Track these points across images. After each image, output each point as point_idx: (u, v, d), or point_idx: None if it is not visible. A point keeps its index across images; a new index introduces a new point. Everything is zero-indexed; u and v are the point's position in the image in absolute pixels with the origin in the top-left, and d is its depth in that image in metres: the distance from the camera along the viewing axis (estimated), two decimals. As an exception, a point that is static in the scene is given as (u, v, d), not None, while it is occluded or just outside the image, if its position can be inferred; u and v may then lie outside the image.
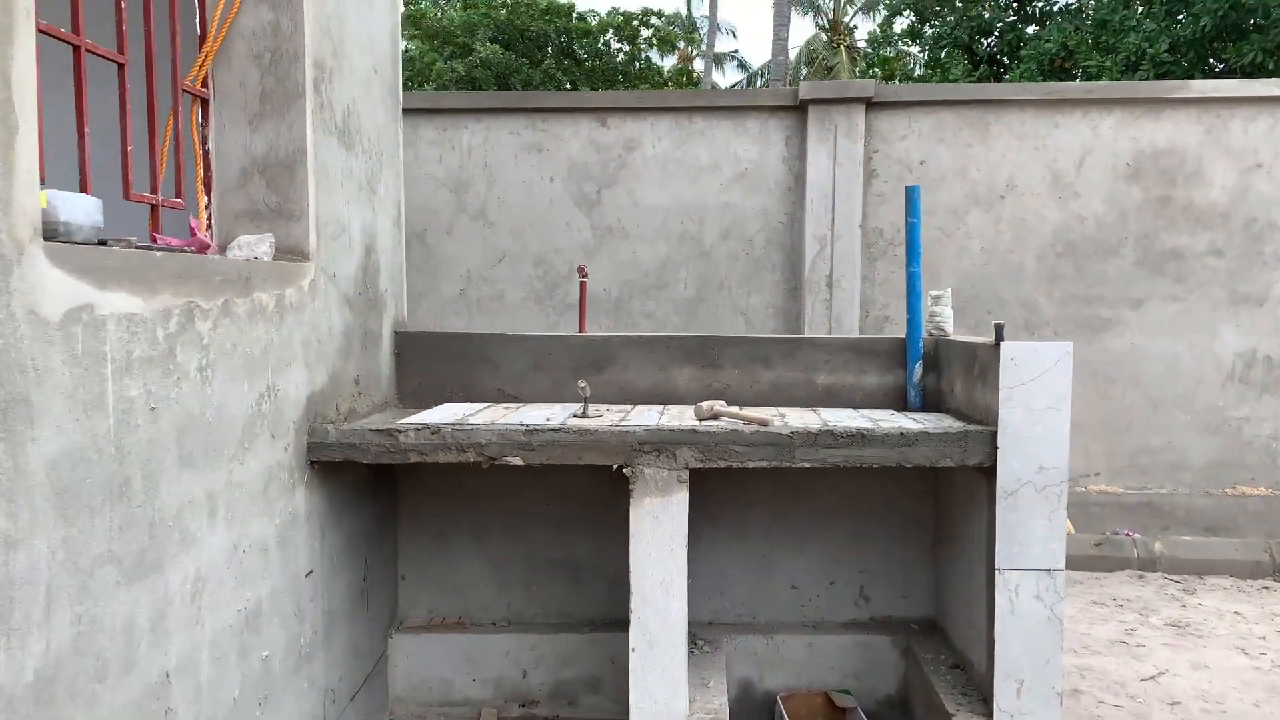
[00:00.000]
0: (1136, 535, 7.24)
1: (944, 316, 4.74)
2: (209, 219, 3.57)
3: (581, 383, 3.99)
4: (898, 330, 7.50)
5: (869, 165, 7.77)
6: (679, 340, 4.71)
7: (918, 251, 4.55)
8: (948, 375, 4.47)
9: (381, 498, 4.56)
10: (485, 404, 4.66)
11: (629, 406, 4.61)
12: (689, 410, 4.19)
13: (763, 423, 3.89)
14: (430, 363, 4.75)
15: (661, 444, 3.69)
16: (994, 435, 3.67)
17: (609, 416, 4.16)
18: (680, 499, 3.70)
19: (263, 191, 3.62)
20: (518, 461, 3.69)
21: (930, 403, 4.65)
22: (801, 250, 7.79)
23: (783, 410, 4.49)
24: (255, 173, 3.60)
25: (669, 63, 27.68)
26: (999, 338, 3.68)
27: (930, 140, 7.72)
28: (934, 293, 4.78)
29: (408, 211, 8.11)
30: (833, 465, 3.70)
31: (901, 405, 4.68)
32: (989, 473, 3.73)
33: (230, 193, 3.61)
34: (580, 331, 4.87)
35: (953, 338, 4.58)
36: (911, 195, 4.52)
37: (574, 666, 4.67)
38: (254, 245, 3.47)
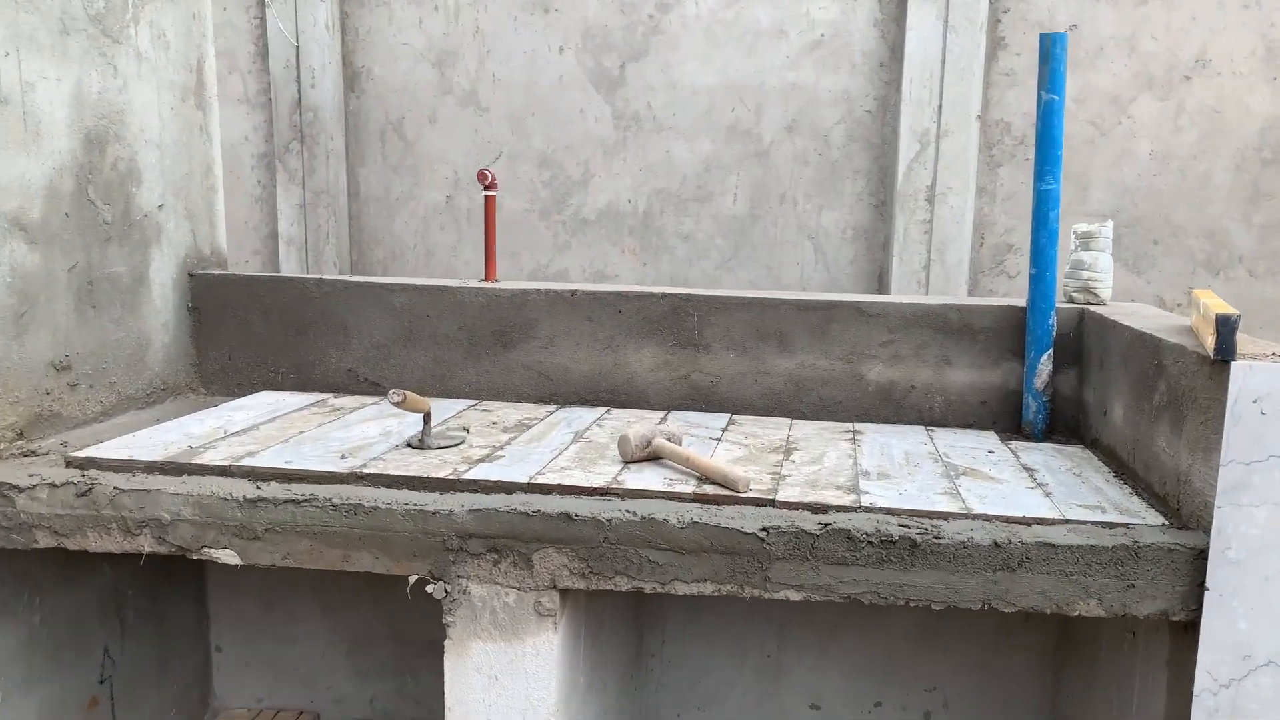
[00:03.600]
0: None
1: (1098, 270, 2.71)
2: None
3: (395, 396, 2.17)
4: (1025, 268, 5.39)
5: (994, 31, 5.54)
6: (636, 300, 2.83)
7: (1057, 154, 2.52)
8: (1098, 379, 2.48)
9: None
10: (316, 397, 2.91)
11: (546, 412, 2.79)
12: (644, 423, 2.34)
13: (729, 483, 2.02)
14: (249, 325, 3.01)
15: (504, 539, 1.86)
16: (1200, 557, 1.71)
17: (471, 445, 2.35)
18: (543, 646, 1.88)
19: None
20: (230, 559, 1.93)
21: (1063, 421, 2.67)
22: (895, 150, 5.68)
23: (795, 433, 2.58)
24: None
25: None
26: (1225, 345, 1.68)
27: (1087, -7, 5.43)
28: (1081, 228, 2.74)
29: (382, 93, 6.33)
30: (847, 599, 1.81)
31: (1012, 424, 2.71)
32: (1183, 631, 1.78)
33: None
34: (486, 279, 3.06)
35: (1112, 310, 2.57)
36: (1051, 50, 2.46)
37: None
38: None
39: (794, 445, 2.46)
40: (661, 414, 2.79)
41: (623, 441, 2.24)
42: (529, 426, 2.58)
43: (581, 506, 1.87)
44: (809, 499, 1.98)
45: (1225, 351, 1.66)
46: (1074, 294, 2.73)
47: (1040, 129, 2.51)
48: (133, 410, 2.76)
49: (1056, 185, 2.51)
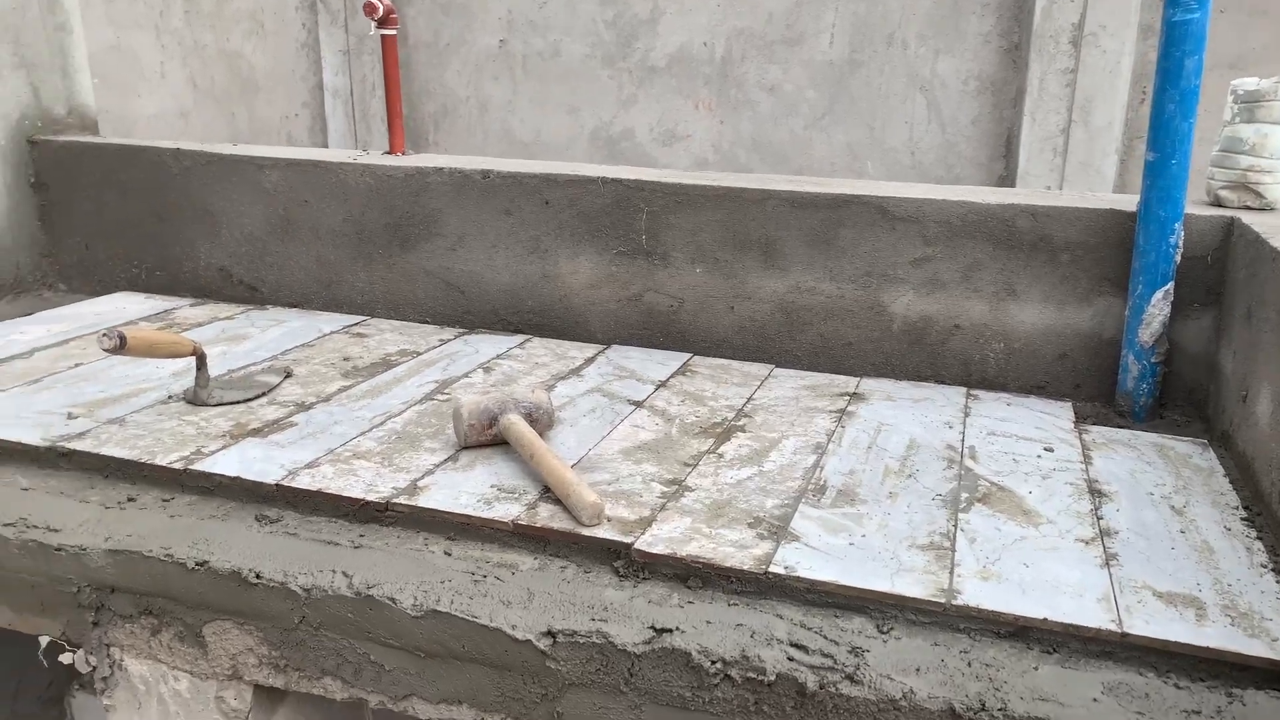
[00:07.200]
0: None
1: (1266, 153, 1.70)
2: None
3: (106, 340, 1.47)
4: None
5: None
6: (567, 186, 2.02)
7: (1211, -37, 1.50)
8: (1242, 337, 1.54)
9: None
10: (169, 305, 2.27)
11: (437, 341, 2.06)
12: (515, 387, 1.58)
13: (571, 508, 1.26)
14: (105, 208, 2.38)
15: (160, 599, 1.18)
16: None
17: (274, 400, 1.66)
18: (238, 755, 1.22)
19: None
20: None
21: (1182, 392, 1.74)
22: (1035, -23, 4.45)
23: (765, 393, 1.76)
24: None
25: None
26: None
27: None
28: (1245, 84, 1.72)
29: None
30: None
31: (1103, 390, 1.80)
32: None
33: None
34: (392, 150, 2.29)
35: (1283, 226, 1.59)
36: None
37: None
38: None
39: (746, 419, 1.65)
40: (598, 349, 2.01)
41: (455, 417, 1.50)
42: (391, 366, 1.87)
43: (278, 558, 1.15)
44: (686, 550, 1.20)
45: None
46: (1222, 192, 1.74)
47: (1185, -82, 1.49)
48: (-65, 315, 2.19)
49: (1202, 11, 1.51)
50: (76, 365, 1.82)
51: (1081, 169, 4.40)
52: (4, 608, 1.25)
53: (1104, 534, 1.28)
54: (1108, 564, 1.20)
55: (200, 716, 1.20)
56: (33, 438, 1.48)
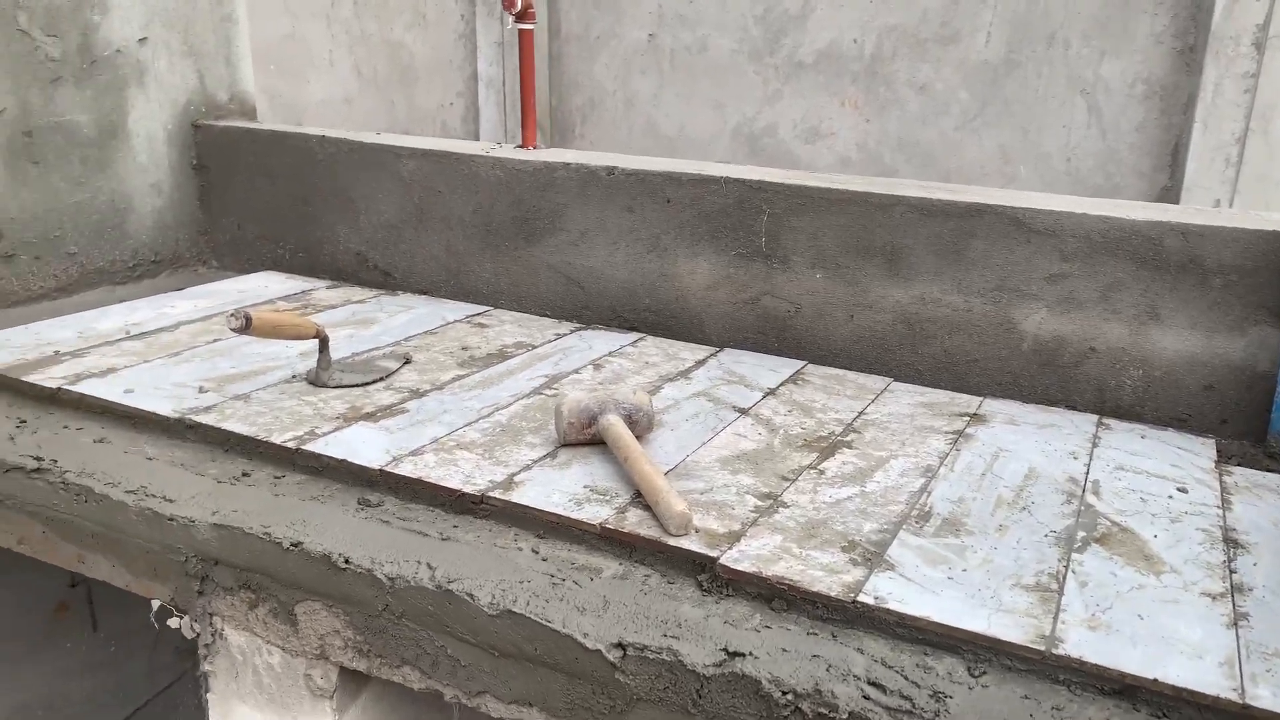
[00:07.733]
0: None
1: None
2: None
3: (234, 320, 1.53)
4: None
5: None
6: (690, 185, 2.00)
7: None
8: None
9: None
10: (308, 285, 2.37)
11: (553, 335, 2.08)
12: (617, 387, 1.59)
13: (659, 516, 1.24)
14: (256, 190, 2.50)
15: (257, 575, 1.22)
16: None
17: (390, 385, 1.71)
18: (325, 733, 1.26)
19: None
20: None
21: (1348, 438, 1.59)
22: (1218, -26, 4.14)
23: (877, 408, 1.70)
24: None
25: None
26: None
27: None
28: None
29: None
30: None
31: (1251, 429, 1.66)
32: None
33: None
34: (524, 143, 2.31)
35: None
36: None
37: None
38: None
39: (854, 435, 1.59)
40: (710, 352, 1.99)
41: (556, 414, 1.50)
42: (506, 358, 1.89)
43: (368, 545, 1.18)
44: (773, 570, 1.16)
45: None
46: None
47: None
48: (106, 286, 2.36)
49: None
50: (215, 340, 1.93)
51: (1258, 182, 4.08)
52: (122, 569, 1.33)
53: (1235, 590, 1.17)
54: (1235, 624, 1.10)
55: (290, 691, 1.25)
56: (165, 409, 1.57)
